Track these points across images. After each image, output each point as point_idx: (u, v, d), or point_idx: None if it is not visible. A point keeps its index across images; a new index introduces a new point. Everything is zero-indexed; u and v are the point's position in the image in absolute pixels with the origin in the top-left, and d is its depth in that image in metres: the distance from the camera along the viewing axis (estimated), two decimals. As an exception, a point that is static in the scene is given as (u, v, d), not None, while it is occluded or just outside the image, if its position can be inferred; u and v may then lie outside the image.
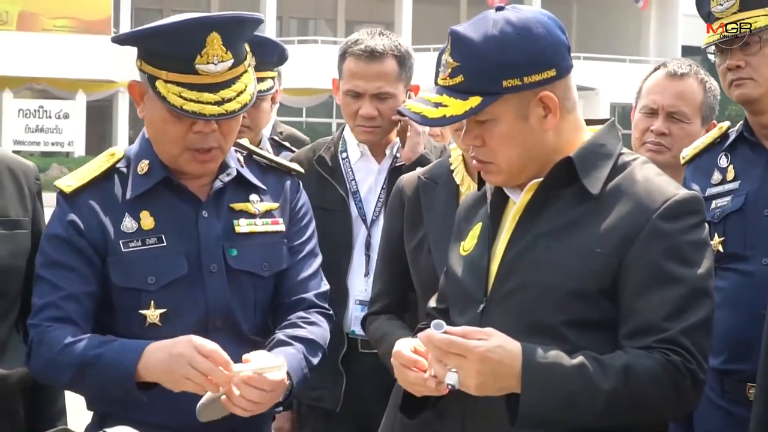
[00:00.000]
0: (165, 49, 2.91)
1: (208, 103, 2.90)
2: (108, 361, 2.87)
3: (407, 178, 3.65)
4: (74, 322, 2.95)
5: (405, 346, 2.66)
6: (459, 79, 2.59)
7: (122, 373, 2.85)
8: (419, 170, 3.67)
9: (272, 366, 2.84)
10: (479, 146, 2.65)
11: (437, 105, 2.60)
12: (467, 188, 3.49)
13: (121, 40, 3.03)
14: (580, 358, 2.49)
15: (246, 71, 2.99)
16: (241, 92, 2.95)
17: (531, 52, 2.58)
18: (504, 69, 2.57)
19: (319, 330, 3.15)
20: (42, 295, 2.99)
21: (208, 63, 2.89)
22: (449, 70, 2.61)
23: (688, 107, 3.90)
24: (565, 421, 2.49)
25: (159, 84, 2.90)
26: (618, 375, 2.48)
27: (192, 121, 2.94)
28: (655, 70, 4.01)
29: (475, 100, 2.57)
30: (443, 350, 2.47)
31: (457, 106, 2.58)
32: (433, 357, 2.51)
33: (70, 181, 3.07)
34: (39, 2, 36.86)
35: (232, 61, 2.93)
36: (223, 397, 2.82)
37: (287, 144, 5.11)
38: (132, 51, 3.03)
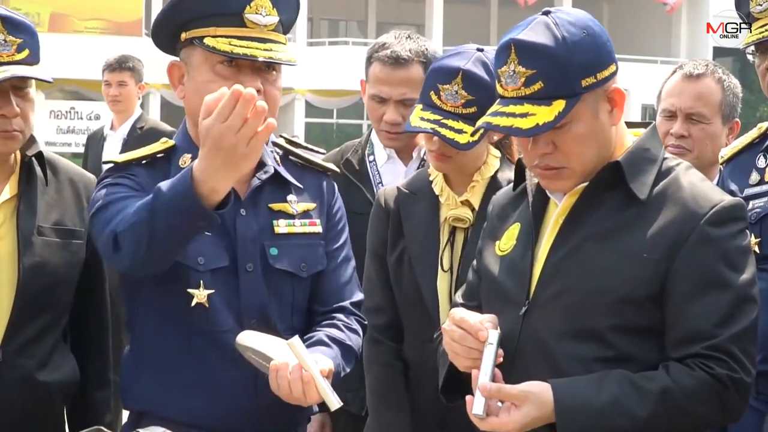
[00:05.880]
0: (214, 6, 2.93)
1: (257, 48, 2.93)
2: (166, 187, 2.68)
3: (388, 190, 3.65)
4: None
5: (472, 315, 2.68)
6: (538, 86, 2.59)
7: (182, 186, 2.65)
8: (400, 182, 3.67)
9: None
10: (550, 152, 2.65)
11: (523, 115, 2.60)
12: (446, 199, 3.50)
13: (171, 7, 2.98)
14: (614, 388, 2.51)
15: (286, 45, 3.02)
16: (287, 52, 2.99)
17: (598, 50, 2.63)
18: (581, 69, 2.60)
19: (357, 339, 3.14)
20: (108, 215, 2.84)
21: (256, 13, 2.93)
22: (522, 79, 2.60)
23: (706, 108, 3.88)
24: None
25: (207, 40, 2.93)
26: (656, 399, 2.50)
27: (236, 81, 2.88)
28: (673, 72, 3.99)
29: (560, 104, 2.59)
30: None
31: (545, 113, 2.58)
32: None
33: (121, 157, 3.04)
34: (70, 4, 36.97)
35: (278, 18, 2.98)
36: (273, 363, 2.80)
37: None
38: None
